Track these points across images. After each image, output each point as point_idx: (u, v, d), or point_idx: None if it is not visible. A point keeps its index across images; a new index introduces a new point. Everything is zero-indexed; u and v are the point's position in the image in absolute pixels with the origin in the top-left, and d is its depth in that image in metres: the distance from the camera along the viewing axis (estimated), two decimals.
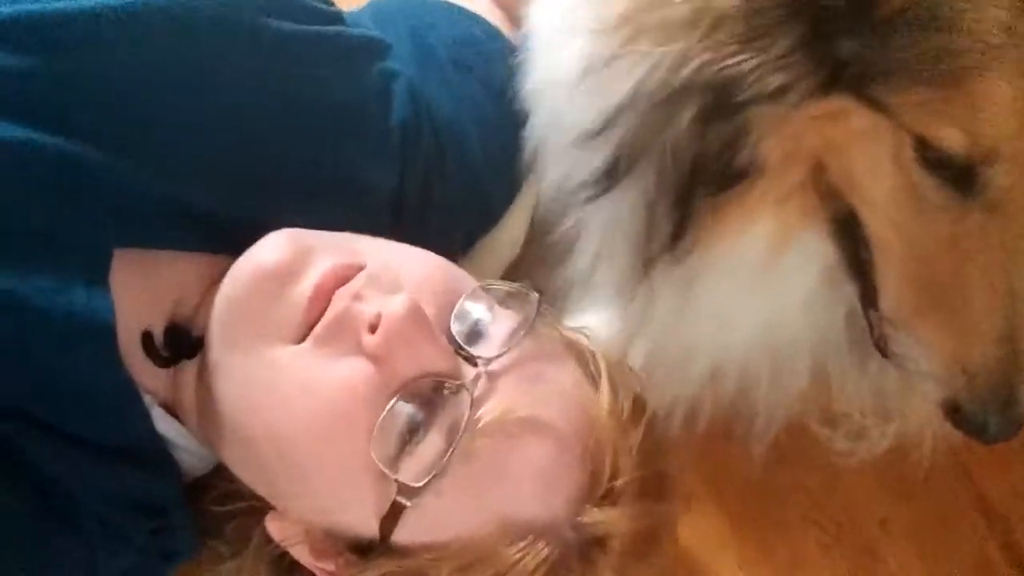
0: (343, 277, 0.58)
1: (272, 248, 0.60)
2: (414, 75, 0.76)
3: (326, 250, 0.60)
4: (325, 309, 0.57)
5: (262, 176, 0.65)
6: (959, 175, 0.54)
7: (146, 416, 0.60)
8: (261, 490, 0.61)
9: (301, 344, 0.57)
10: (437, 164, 0.75)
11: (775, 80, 0.54)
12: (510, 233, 0.83)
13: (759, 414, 0.76)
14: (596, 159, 0.61)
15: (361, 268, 0.59)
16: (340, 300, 0.57)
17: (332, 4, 0.75)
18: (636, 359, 0.71)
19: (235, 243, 0.61)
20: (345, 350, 0.56)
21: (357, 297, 0.57)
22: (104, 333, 0.57)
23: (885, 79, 0.52)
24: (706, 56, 0.54)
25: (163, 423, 0.61)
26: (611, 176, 0.61)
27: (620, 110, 0.58)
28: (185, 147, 0.61)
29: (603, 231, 0.68)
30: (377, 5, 0.87)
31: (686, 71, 0.55)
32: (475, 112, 0.78)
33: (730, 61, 0.53)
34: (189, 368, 0.62)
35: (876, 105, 0.54)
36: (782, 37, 0.53)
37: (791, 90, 0.54)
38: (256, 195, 0.64)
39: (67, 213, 0.57)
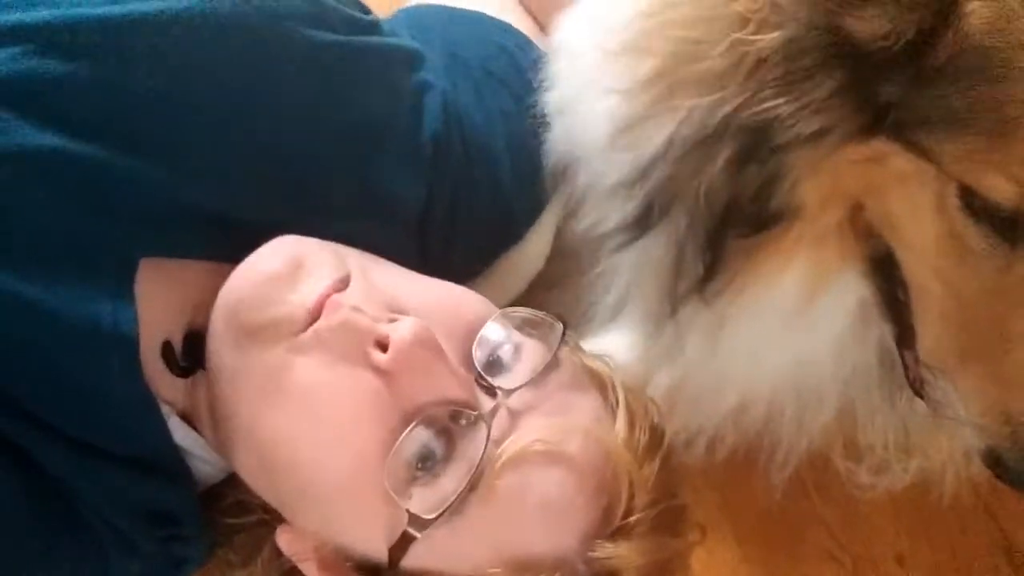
0: (340, 289, 0.57)
1: (270, 255, 0.59)
2: (447, 86, 0.75)
3: (324, 261, 0.59)
4: None
5: (291, 184, 0.64)
6: (1006, 224, 0.52)
7: (164, 427, 0.60)
8: (270, 498, 0.61)
9: (301, 335, 0.56)
10: (466, 178, 0.74)
11: (814, 123, 0.52)
12: (534, 249, 0.82)
13: (781, 444, 0.75)
14: (628, 208, 0.59)
15: (349, 278, 0.58)
16: (339, 310, 0.56)
17: (369, 12, 0.74)
18: (659, 389, 0.70)
19: None
20: (349, 357, 0.55)
21: (356, 310, 0.56)
22: (127, 345, 0.57)
23: (929, 126, 0.51)
24: (743, 99, 0.52)
25: (180, 433, 0.61)
26: (643, 224, 0.59)
27: (653, 162, 0.56)
28: (219, 155, 0.61)
29: (632, 271, 0.66)
30: (411, 13, 0.87)
31: (721, 114, 0.53)
32: (506, 126, 0.77)
33: (768, 104, 0.52)
34: (205, 377, 0.62)
35: (919, 151, 0.52)
36: (822, 81, 0.51)
37: (830, 133, 0.52)
38: (284, 203, 0.64)
39: (95, 222, 0.57)
